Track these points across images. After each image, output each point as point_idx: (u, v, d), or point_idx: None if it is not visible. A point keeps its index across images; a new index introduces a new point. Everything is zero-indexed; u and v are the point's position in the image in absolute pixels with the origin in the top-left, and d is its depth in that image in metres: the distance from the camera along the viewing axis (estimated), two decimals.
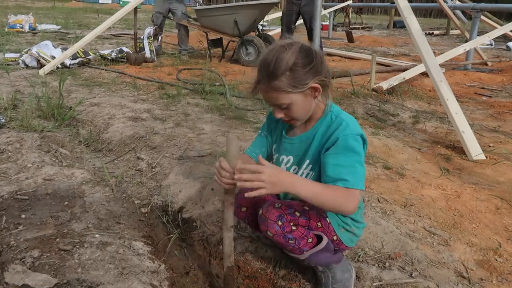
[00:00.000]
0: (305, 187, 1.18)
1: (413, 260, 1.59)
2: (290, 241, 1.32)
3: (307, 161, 1.39)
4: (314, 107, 1.33)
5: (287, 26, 5.98)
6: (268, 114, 1.58)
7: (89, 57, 5.38)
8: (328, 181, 1.25)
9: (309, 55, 1.23)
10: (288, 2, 5.87)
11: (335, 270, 1.43)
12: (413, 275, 1.52)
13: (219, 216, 1.91)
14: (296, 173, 1.42)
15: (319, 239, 1.37)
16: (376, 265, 1.58)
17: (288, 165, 1.46)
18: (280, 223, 1.29)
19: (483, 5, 5.64)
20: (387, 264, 1.58)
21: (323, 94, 1.29)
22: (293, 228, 1.31)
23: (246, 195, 1.14)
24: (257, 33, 6.26)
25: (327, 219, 1.38)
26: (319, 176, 1.36)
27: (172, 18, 6.06)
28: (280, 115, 1.31)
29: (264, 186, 1.13)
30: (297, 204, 1.36)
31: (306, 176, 1.40)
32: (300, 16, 5.95)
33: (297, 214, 1.33)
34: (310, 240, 1.35)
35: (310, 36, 5.79)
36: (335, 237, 1.40)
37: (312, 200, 1.20)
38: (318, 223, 1.37)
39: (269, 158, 1.60)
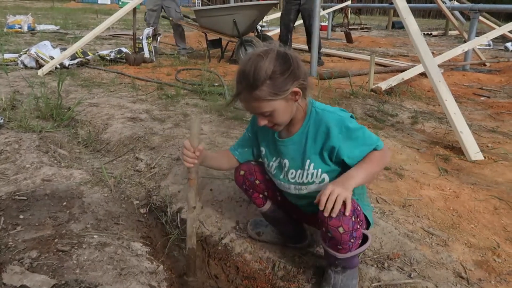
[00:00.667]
0: (359, 174, 1.27)
1: (412, 261, 1.59)
2: (351, 240, 1.30)
3: (308, 161, 1.39)
4: (297, 107, 1.36)
5: (286, 25, 5.98)
6: (253, 118, 1.58)
7: (88, 57, 5.38)
8: (362, 156, 1.34)
9: (286, 61, 1.24)
10: (287, 2, 5.86)
11: (347, 274, 1.43)
12: (412, 275, 1.52)
13: (218, 217, 1.91)
14: (301, 176, 1.42)
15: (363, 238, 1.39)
16: (375, 265, 1.58)
17: (286, 168, 1.46)
18: (353, 219, 1.28)
19: (481, 5, 5.65)
20: (386, 264, 1.58)
21: (303, 96, 1.32)
22: (358, 226, 1.31)
23: (334, 215, 1.22)
24: (256, 33, 6.26)
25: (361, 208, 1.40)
26: (328, 172, 1.38)
27: (170, 18, 6.06)
28: (263, 122, 1.33)
29: (342, 194, 1.20)
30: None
31: (313, 176, 1.40)
32: (300, 15, 5.95)
33: (359, 208, 1.35)
34: (360, 241, 1.36)
35: (309, 35, 5.80)
36: (365, 226, 1.42)
37: (368, 180, 1.33)
38: (362, 214, 1.39)
39: (257, 158, 1.61)
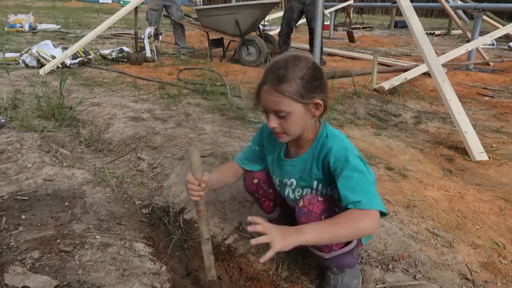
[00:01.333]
0: (314, 234, 1.11)
1: (417, 262, 1.58)
2: None
3: (315, 182, 1.37)
4: (308, 127, 1.31)
5: (288, 23, 5.97)
6: (260, 130, 1.56)
7: (89, 56, 5.37)
8: (342, 205, 1.20)
9: (320, 72, 1.24)
10: (293, 1, 5.85)
11: (346, 274, 1.42)
12: (417, 277, 1.50)
13: (221, 217, 1.90)
14: (310, 192, 1.39)
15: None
16: (380, 267, 1.56)
17: (293, 187, 1.44)
18: (323, 217, 1.25)
19: (485, 5, 5.62)
20: (390, 266, 1.56)
21: (322, 113, 1.28)
22: None
23: (253, 242, 1.08)
24: (258, 33, 6.25)
25: None
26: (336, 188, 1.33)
27: (172, 17, 6.05)
28: (274, 123, 1.25)
29: (275, 246, 1.07)
30: (336, 201, 1.32)
31: (322, 194, 1.37)
32: (303, 15, 5.93)
33: (337, 210, 1.28)
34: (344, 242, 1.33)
35: (312, 36, 5.78)
36: (355, 240, 1.39)
37: (325, 240, 1.16)
38: None
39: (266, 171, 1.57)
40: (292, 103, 1.21)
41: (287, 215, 1.61)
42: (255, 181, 1.54)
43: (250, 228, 1.10)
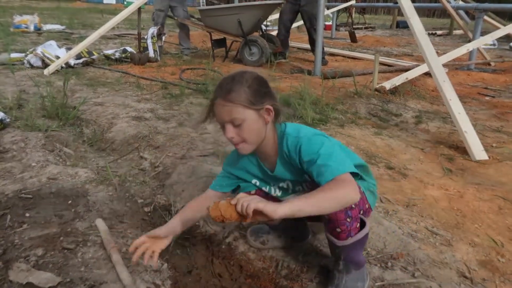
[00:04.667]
0: (294, 201, 1.14)
1: (416, 260, 1.59)
2: (348, 219, 1.30)
3: (306, 176, 1.37)
4: (267, 133, 1.36)
5: (284, 24, 6.01)
6: (225, 164, 1.58)
7: (93, 57, 5.41)
8: (318, 184, 1.23)
9: (265, 81, 1.33)
10: (287, 1, 5.87)
11: (352, 275, 1.42)
12: (416, 275, 1.52)
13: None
14: (310, 184, 1.41)
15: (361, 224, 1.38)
16: (379, 265, 1.58)
17: (290, 191, 1.51)
18: None
19: (486, 5, 5.63)
20: (389, 264, 1.58)
21: (275, 120, 1.35)
22: (353, 206, 1.30)
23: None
24: (261, 33, 6.26)
25: (361, 187, 1.41)
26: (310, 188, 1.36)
27: (176, 17, 6.08)
28: (231, 133, 1.30)
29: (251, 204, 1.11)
30: None
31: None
32: (299, 15, 5.96)
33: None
34: (358, 225, 1.34)
35: (310, 36, 5.80)
36: (367, 205, 1.45)
37: (313, 211, 1.15)
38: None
39: (242, 190, 1.57)
40: (244, 110, 1.27)
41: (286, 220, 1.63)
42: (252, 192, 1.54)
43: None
